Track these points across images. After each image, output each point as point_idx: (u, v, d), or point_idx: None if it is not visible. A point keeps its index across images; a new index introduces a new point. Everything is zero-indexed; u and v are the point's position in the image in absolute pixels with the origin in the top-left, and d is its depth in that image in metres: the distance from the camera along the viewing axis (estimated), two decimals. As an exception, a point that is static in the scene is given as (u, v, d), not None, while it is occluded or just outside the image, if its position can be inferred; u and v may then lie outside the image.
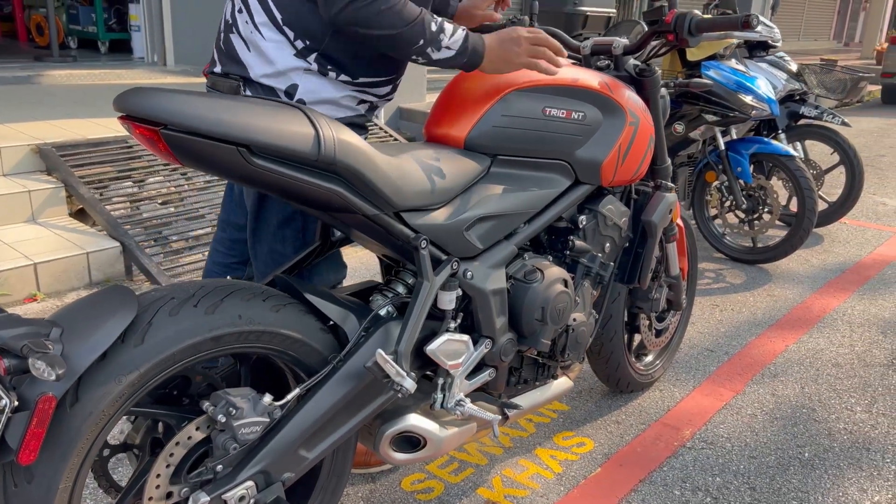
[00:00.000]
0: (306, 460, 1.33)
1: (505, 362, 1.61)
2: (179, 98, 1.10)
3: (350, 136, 1.25)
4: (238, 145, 1.13)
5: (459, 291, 1.51)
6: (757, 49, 4.15)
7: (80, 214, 3.62)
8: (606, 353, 2.16)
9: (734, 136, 3.62)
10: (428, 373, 1.58)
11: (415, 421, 1.50)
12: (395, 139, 5.04)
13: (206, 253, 3.54)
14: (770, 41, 3.88)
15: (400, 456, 1.52)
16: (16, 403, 1.00)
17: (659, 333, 2.38)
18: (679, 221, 2.21)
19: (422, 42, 1.37)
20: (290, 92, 1.45)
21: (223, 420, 1.23)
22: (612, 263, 1.84)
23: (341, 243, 1.62)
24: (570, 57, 2.00)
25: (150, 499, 1.23)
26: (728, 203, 3.65)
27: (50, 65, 6.18)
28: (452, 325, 1.52)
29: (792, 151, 3.45)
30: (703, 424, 2.22)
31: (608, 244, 1.83)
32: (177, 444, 1.23)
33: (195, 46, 6.42)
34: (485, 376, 1.60)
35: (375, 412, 1.40)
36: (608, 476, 1.96)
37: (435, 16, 1.40)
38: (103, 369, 1.10)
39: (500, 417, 1.64)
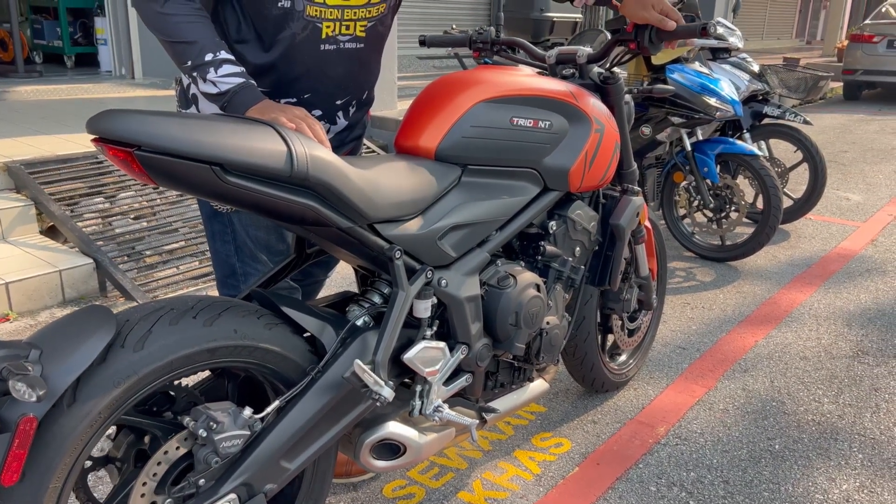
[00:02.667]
0: (288, 471, 1.35)
1: (481, 367, 1.65)
2: (152, 119, 1.12)
3: (322, 152, 1.28)
4: (212, 164, 1.15)
5: (434, 299, 1.54)
6: (720, 51, 4.24)
7: (51, 232, 3.60)
8: (581, 354, 2.21)
9: (700, 137, 3.70)
10: (406, 380, 1.61)
11: (394, 428, 1.53)
12: (367, 147, 5.06)
13: (180, 267, 3.53)
14: (730, 46, 3.98)
15: (380, 463, 1.54)
16: (-4, 426, 1.01)
17: (631, 333, 2.43)
18: (647, 223, 2.27)
19: (189, 63, 1.39)
20: (188, 87, 1.55)
21: (204, 434, 1.25)
22: (582, 267, 1.88)
23: (316, 255, 1.64)
24: (535, 66, 2.05)
25: (140, 500, 1.24)
26: (696, 203, 3.73)
27: (15, 80, 6.11)
28: (429, 332, 1.55)
29: (756, 151, 3.54)
30: (677, 421, 2.27)
31: (578, 248, 1.87)
32: (158, 462, 1.25)
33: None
34: (462, 382, 1.63)
35: (355, 421, 1.43)
36: (586, 475, 2.00)
37: (222, 52, 1.40)
38: (103, 372, 1.12)
39: (478, 422, 1.67)
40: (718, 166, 3.71)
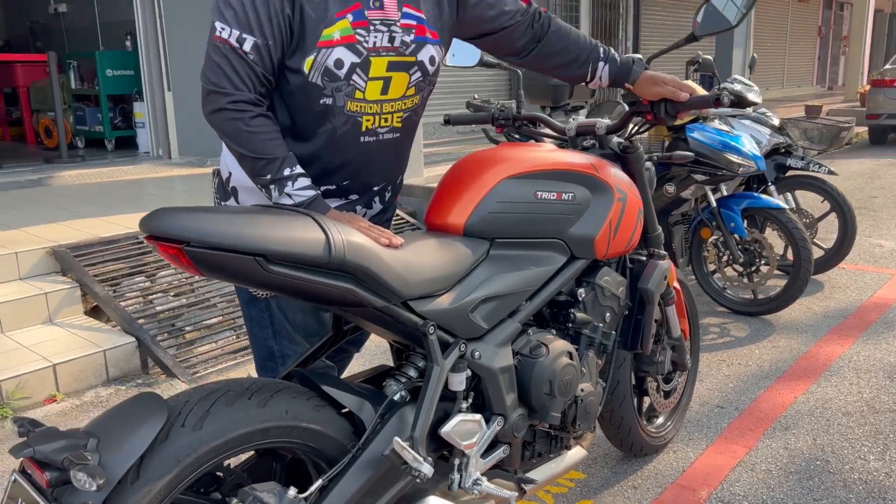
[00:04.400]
0: (332, 550, 1.38)
1: (518, 438, 1.67)
2: (199, 216, 1.20)
3: (357, 237, 1.35)
4: (255, 255, 1.23)
5: (469, 372, 1.57)
6: (739, 106, 4.30)
7: (95, 312, 3.71)
8: (617, 418, 2.21)
9: (725, 193, 3.73)
10: (444, 453, 1.64)
11: (434, 503, 1.55)
12: (396, 215, 5.17)
13: (219, 342, 3.62)
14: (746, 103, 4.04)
15: (422, 538, 1.56)
16: (58, 515, 1.07)
17: (667, 395, 2.43)
18: (676, 284, 2.29)
19: (268, 177, 1.47)
20: (228, 179, 1.62)
21: (252, 515, 1.28)
22: (613, 332, 1.91)
23: (353, 331, 1.70)
24: (555, 139, 2.13)
25: None
26: (725, 258, 3.73)
27: (59, 166, 6.39)
28: (464, 405, 1.58)
29: (782, 204, 3.55)
30: (719, 483, 2.24)
31: (608, 314, 1.91)
32: (208, 542, 1.29)
33: (197, 138, 6.65)
34: (499, 453, 1.65)
35: (395, 498, 1.45)
36: (629, 543, 1.98)
37: (297, 167, 1.48)
38: (163, 452, 1.18)
39: (517, 493, 1.68)
40: (745, 220, 3.72)
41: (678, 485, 2.24)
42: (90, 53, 7.46)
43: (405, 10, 1.55)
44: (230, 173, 1.62)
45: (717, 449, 2.45)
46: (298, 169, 1.50)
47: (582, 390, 1.81)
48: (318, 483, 1.37)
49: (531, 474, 1.80)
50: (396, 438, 1.35)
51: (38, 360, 3.11)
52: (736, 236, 3.66)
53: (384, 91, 1.55)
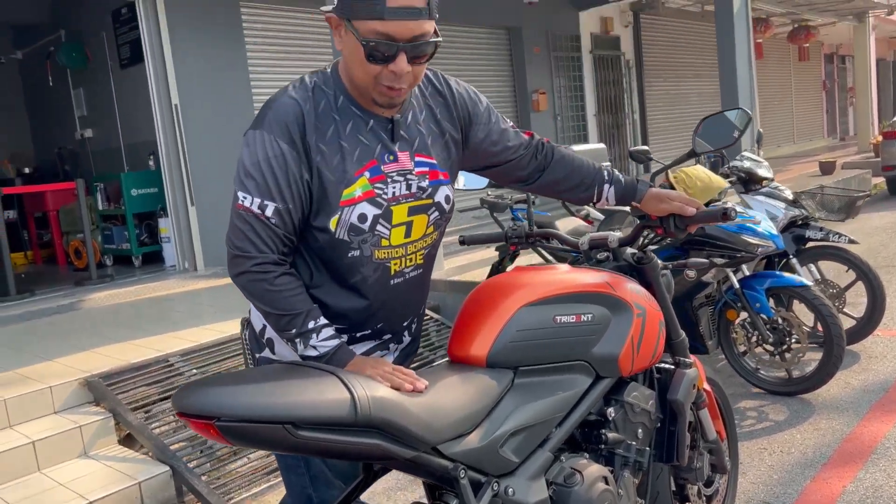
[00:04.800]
0: None
1: (559, 573, 1.63)
2: (227, 391, 1.23)
3: (382, 391, 1.37)
4: (283, 423, 1.25)
5: (503, 510, 1.56)
6: (751, 183, 4.35)
7: (128, 440, 3.73)
8: (660, 531, 2.15)
9: (746, 273, 3.72)
10: None
11: None
12: (421, 313, 5.19)
13: (250, 457, 3.60)
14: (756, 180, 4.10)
15: None
16: None
17: (710, 499, 2.36)
18: (706, 385, 2.27)
19: (293, 331, 1.52)
20: (262, 331, 1.66)
21: None
22: (647, 448, 1.88)
23: (384, 471, 1.69)
24: (570, 252, 2.16)
25: None
26: (754, 338, 3.69)
27: (90, 288, 6.54)
28: (501, 543, 1.56)
29: (805, 281, 3.53)
30: (775, 592, 2.15)
31: (640, 430, 1.89)
32: None
33: (221, 249, 6.78)
34: (541, 591, 1.61)
35: None
36: None
37: (321, 319, 1.54)
38: None
39: None
40: (771, 299, 3.69)
41: None
42: (116, 175, 7.75)
43: (417, 159, 1.64)
44: (264, 325, 1.66)
45: (769, 552, 2.36)
46: (322, 321, 1.54)
47: (621, 513, 1.78)
48: None
49: None
50: None
51: (75, 499, 3.11)
52: (763, 316, 3.63)
53: (407, 234, 1.63)
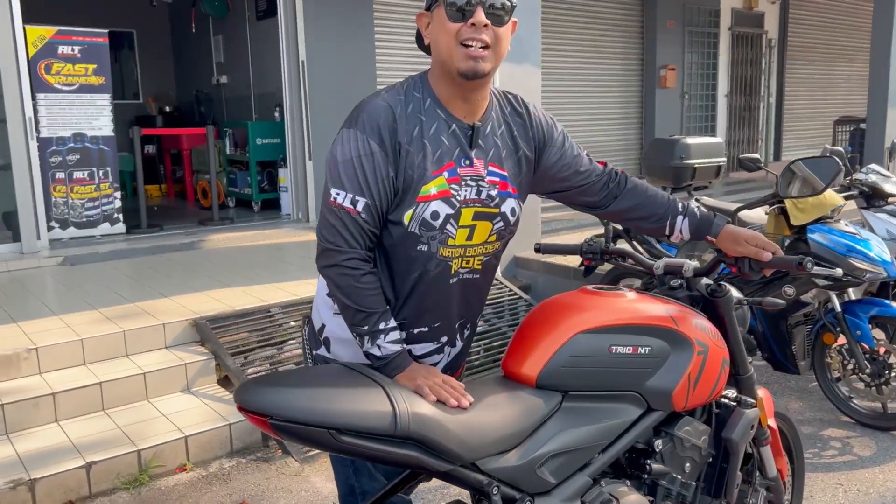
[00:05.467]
0: None
1: (586, 592, 1.69)
2: (280, 392, 1.36)
3: (424, 408, 1.46)
4: (328, 428, 1.37)
5: (534, 526, 1.63)
6: (874, 199, 4.08)
7: (225, 381, 4.06)
8: (705, 559, 2.15)
9: (852, 297, 3.53)
10: None
11: None
12: (510, 290, 5.26)
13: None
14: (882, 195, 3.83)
15: None
16: None
17: (764, 533, 2.33)
18: (771, 423, 2.22)
19: (365, 328, 1.62)
20: (321, 330, 1.77)
21: None
22: (693, 483, 1.89)
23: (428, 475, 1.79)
24: (643, 275, 2.15)
25: None
26: (851, 366, 3.51)
27: (211, 229, 7.03)
28: (529, 557, 1.63)
29: (915, 313, 3.31)
30: None
31: (688, 464, 1.89)
32: None
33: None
34: None
35: None
36: None
37: (391, 321, 1.63)
38: None
39: None
40: (876, 328, 3.49)
41: None
42: (243, 123, 8.19)
43: (490, 168, 1.71)
44: (323, 325, 1.79)
45: None
46: (392, 324, 1.65)
47: (656, 542, 1.81)
48: None
49: None
50: None
51: (173, 431, 3.45)
52: (863, 345, 3.44)
53: (469, 237, 1.70)
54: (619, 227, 4.55)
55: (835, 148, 4.02)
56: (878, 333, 3.67)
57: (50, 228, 6.18)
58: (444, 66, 1.63)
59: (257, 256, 5.97)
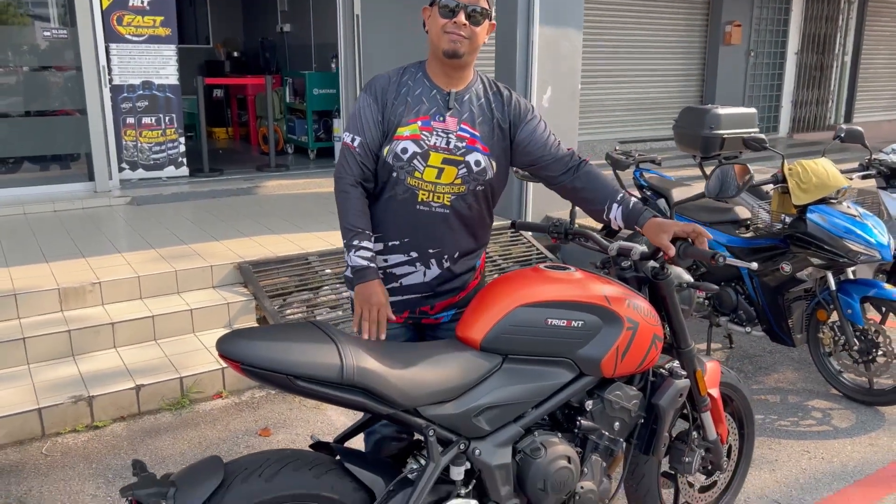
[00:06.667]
0: (336, 590, 1.84)
1: (510, 521, 2.01)
2: (251, 344, 1.70)
3: (368, 363, 1.78)
4: (287, 374, 1.70)
5: (468, 464, 1.95)
6: (893, 179, 4.11)
7: (263, 321, 4.50)
8: (641, 506, 2.45)
9: (851, 277, 3.64)
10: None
11: (429, 565, 1.95)
12: (539, 249, 5.51)
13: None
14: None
15: (418, 589, 1.97)
16: (141, 539, 1.63)
17: (705, 489, 2.59)
18: (713, 392, 2.45)
19: (345, 242, 2.12)
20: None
21: (276, 557, 1.78)
22: (621, 439, 2.17)
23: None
24: (600, 254, 2.38)
25: None
26: (841, 342, 3.65)
27: (267, 175, 7.47)
28: (463, 490, 1.96)
29: (906, 298, 3.42)
30: (736, 583, 2.40)
31: (617, 424, 2.16)
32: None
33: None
34: (492, 532, 2.01)
35: (389, 558, 1.88)
36: None
37: (365, 241, 2.10)
38: None
39: None
40: (868, 308, 3.61)
41: (696, 576, 2.43)
42: (301, 73, 8.53)
43: (462, 126, 2.17)
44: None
45: (753, 547, 2.58)
46: (366, 244, 2.11)
47: (581, 487, 2.11)
48: (330, 539, 1.84)
49: (535, 549, 2.13)
50: (383, 518, 1.78)
51: (212, 362, 3.91)
52: (853, 323, 3.57)
53: (437, 177, 2.14)
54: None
55: (853, 127, 4.05)
56: (876, 314, 3.79)
57: (121, 170, 6.74)
58: (434, 49, 2.13)
59: (305, 204, 6.37)
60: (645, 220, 2.11)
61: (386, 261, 2.22)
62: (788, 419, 3.50)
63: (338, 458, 1.91)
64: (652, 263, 2.25)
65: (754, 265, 2.06)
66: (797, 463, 3.12)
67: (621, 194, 2.16)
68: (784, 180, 3.65)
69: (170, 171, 7.04)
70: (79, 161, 6.56)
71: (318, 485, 1.80)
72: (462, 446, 1.93)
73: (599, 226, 5.03)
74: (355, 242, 2.11)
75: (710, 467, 2.55)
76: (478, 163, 2.14)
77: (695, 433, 2.44)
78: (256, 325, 4.45)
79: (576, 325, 2.04)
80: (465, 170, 2.14)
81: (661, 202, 4.36)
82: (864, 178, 4.14)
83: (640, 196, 4.59)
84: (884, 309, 3.65)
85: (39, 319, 4.03)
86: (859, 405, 3.62)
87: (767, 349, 4.37)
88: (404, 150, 2.11)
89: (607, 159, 4.73)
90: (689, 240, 2.09)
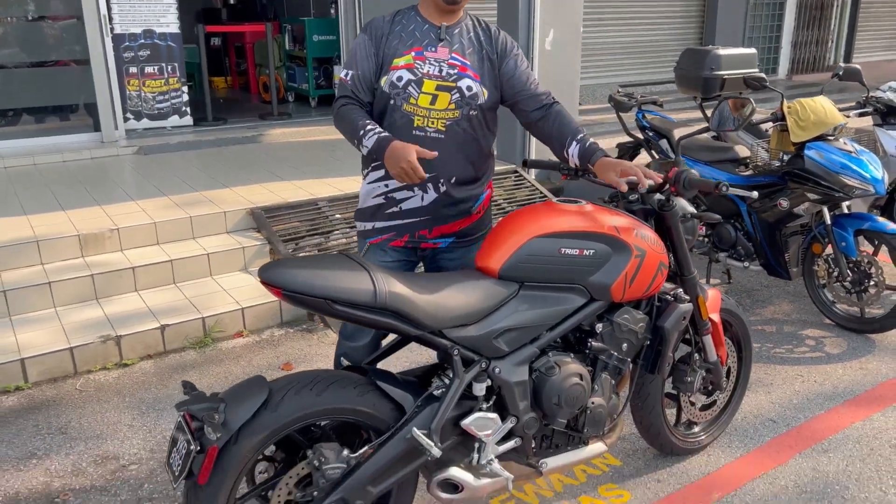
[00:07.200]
0: (371, 494, 2.02)
1: (529, 434, 2.19)
2: (292, 272, 1.84)
3: (398, 288, 1.93)
4: (325, 299, 1.85)
5: (489, 382, 2.12)
6: (890, 116, 4.22)
7: (278, 264, 4.64)
8: (647, 423, 2.64)
9: (846, 211, 3.78)
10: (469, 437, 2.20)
11: (455, 472, 2.13)
12: (542, 192, 5.63)
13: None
14: None
15: (444, 496, 2.16)
16: (198, 449, 1.80)
17: (706, 408, 2.78)
18: (714, 316, 2.62)
19: (356, 137, 2.25)
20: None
21: (317, 465, 1.96)
22: (628, 359, 2.34)
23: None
24: (608, 190, 2.50)
25: (278, 499, 1.98)
26: (835, 274, 3.82)
27: (270, 123, 7.53)
28: (485, 405, 2.13)
29: (897, 229, 3.57)
30: (733, 490, 2.60)
31: (625, 345, 2.33)
32: (290, 476, 1.98)
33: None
34: (511, 444, 2.19)
35: (417, 467, 2.06)
36: (631, 525, 2.45)
37: (369, 127, 2.22)
38: (256, 423, 1.87)
39: (512, 476, 2.20)
40: (861, 240, 3.76)
41: (696, 485, 2.64)
42: (300, 19, 8.49)
43: (453, 56, 2.32)
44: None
45: (749, 459, 2.78)
46: (370, 129, 2.23)
47: (593, 403, 2.28)
48: (365, 448, 2.01)
49: (549, 461, 2.32)
50: (415, 429, 1.95)
51: (231, 303, 4.07)
52: (847, 256, 3.73)
53: (432, 102, 2.30)
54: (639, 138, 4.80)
55: (851, 66, 4.14)
56: (869, 247, 3.94)
57: (126, 119, 6.79)
58: None
59: (311, 152, 6.46)
60: (597, 159, 2.29)
61: (387, 186, 2.38)
62: (783, 347, 3.69)
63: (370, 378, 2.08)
64: (658, 196, 2.38)
65: (755, 194, 2.20)
66: (791, 385, 3.31)
67: (581, 134, 2.34)
68: (783, 118, 3.76)
69: (174, 120, 7.09)
70: (84, 112, 6.61)
71: (360, 401, 1.98)
72: (483, 365, 2.10)
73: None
74: (361, 133, 2.23)
75: (710, 387, 2.73)
76: (469, 88, 2.30)
77: (696, 355, 2.61)
78: (271, 268, 4.60)
79: (587, 253, 2.19)
80: (457, 95, 2.29)
81: (664, 142, 4.46)
82: (860, 115, 4.25)
83: (642, 137, 4.69)
84: (876, 241, 3.80)
85: (62, 265, 4.17)
86: (851, 333, 3.81)
87: (764, 283, 4.55)
88: (399, 79, 2.27)
89: (610, 101, 4.81)
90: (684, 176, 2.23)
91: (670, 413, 2.77)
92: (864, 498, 2.55)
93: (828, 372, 3.42)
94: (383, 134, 2.20)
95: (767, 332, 3.86)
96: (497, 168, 5.81)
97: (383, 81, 2.29)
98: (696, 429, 2.83)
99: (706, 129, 3.88)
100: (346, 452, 2.00)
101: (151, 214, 4.61)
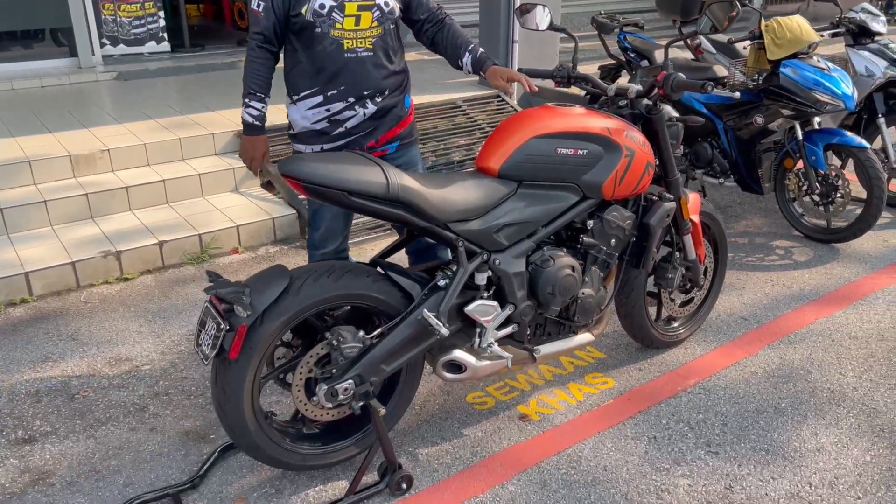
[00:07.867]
0: (385, 371, 2.21)
1: (525, 321, 2.39)
2: (311, 165, 1.97)
3: (408, 182, 2.07)
4: (342, 190, 1.99)
5: (490, 272, 2.29)
6: (861, 37, 4.38)
7: (268, 185, 4.74)
8: (630, 317, 2.85)
9: (816, 126, 3.97)
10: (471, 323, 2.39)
11: (458, 354, 2.33)
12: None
13: (362, 217, 4.51)
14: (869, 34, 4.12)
15: (449, 375, 2.35)
16: (227, 328, 1.96)
17: (685, 304, 3.00)
18: (694, 217, 2.81)
19: (243, 100, 2.48)
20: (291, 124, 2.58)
21: (335, 344, 2.13)
22: (616, 253, 2.52)
23: (419, 235, 2.45)
24: (598, 94, 2.64)
25: (299, 376, 2.16)
26: (805, 187, 4.03)
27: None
28: (486, 294, 2.31)
29: (864, 143, 3.77)
30: (708, 376, 2.85)
31: (613, 240, 2.51)
32: (311, 356, 2.16)
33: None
34: (509, 329, 2.38)
35: (427, 346, 2.24)
36: (616, 406, 2.68)
37: (254, 101, 2.45)
38: (279, 306, 2.03)
39: (511, 356, 2.40)
40: (830, 154, 3.97)
41: (675, 373, 2.88)
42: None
43: None
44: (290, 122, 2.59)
45: (723, 351, 3.02)
46: (255, 103, 2.47)
47: (583, 293, 2.48)
48: (379, 330, 2.19)
49: (542, 347, 2.52)
50: (424, 310, 2.12)
51: (226, 221, 4.18)
52: (817, 169, 3.94)
53: (356, 24, 2.42)
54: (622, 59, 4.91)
55: (827, -13, 4.27)
56: (838, 162, 4.16)
57: (102, 45, 6.70)
58: None
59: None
60: (488, 67, 2.54)
61: (329, 110, 2.49)
62: (755, 256, 3.93)
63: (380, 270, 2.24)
64: (646, 101, 2.53)
65: (737, 94, 2.35)
66: (761, 289, 3.55)
67: (472, 45, 2.57)
68: (760, 36, 3.90)
69: (151, 46, 7.00)
70: (60, 37, 6.50)
71: (373, 287, 2.14)
72: (485, 257, 2.26)
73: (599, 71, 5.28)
74: (247, 101, 2.46)
75: (689, 285, 2.94)
76: (386, 3, 2.45)
77: (677, 254, 2.81)
78: (262, 188, 4.70)
79: (581, 153, 2.34)
80: (378, 12, 2.43)
81: (645, 63, 4.59)
82: (833, 35, 4.40)
83: (624, 59, 4.80)
84: (844, 155, 4.01)
85: (55, 185, 4.23)
86: (817, 243, 4.05)
87: (738, 200, 4.77)
88: (322, 6, 2.35)
89: (592, 23, 4.89)
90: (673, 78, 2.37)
91: (652, 310, 2.99)
92: (825, 380, 2.81)
93: (795, 277, 3.67)
94: (255, 123, 2.48)
95: (741, 244, 4.09)
96: (479, 93, 5.91)
97: (305, 10, 2.35)
98: (676, 324, 3.05)
99: (694, 33, 3.99)
100: (361, 334, 2.17)
101: (140, 136, 4.65)
